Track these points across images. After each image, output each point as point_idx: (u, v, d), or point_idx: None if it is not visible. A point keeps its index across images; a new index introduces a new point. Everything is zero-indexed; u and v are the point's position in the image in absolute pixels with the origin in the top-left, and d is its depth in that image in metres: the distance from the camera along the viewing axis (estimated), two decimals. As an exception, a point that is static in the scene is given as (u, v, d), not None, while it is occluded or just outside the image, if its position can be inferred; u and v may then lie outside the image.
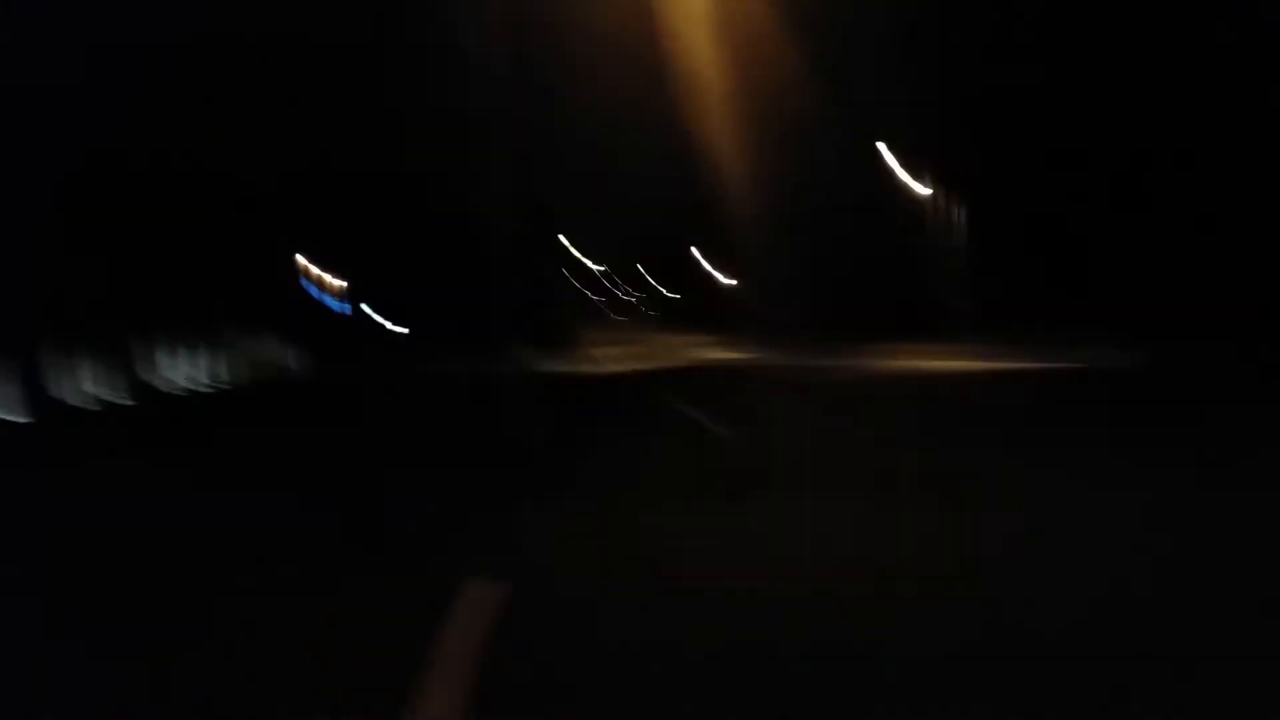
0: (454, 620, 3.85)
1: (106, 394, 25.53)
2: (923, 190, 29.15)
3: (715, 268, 53.32)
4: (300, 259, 43.87)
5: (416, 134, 36.35)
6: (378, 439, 12.68)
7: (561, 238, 56.73)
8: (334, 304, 45.56)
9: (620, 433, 11.82)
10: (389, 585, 4.70)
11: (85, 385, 25.43)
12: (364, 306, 47.43)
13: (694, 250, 55.07)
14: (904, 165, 29.84)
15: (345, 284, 45.96)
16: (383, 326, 48.19)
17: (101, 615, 4.61)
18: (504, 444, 10.46)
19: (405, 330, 47.88)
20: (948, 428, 10.83)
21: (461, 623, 3.83)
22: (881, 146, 30.19)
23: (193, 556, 5.86)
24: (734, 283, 51.24)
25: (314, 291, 44.88)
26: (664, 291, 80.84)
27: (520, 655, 3.57)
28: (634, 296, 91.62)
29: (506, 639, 3.72)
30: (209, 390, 30.23)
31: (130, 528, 6.96)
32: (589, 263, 64.88)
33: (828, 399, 15.48)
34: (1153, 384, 15.36)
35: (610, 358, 41.39)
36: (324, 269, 45.20)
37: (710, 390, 18.29)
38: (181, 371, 31.01)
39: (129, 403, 24.25)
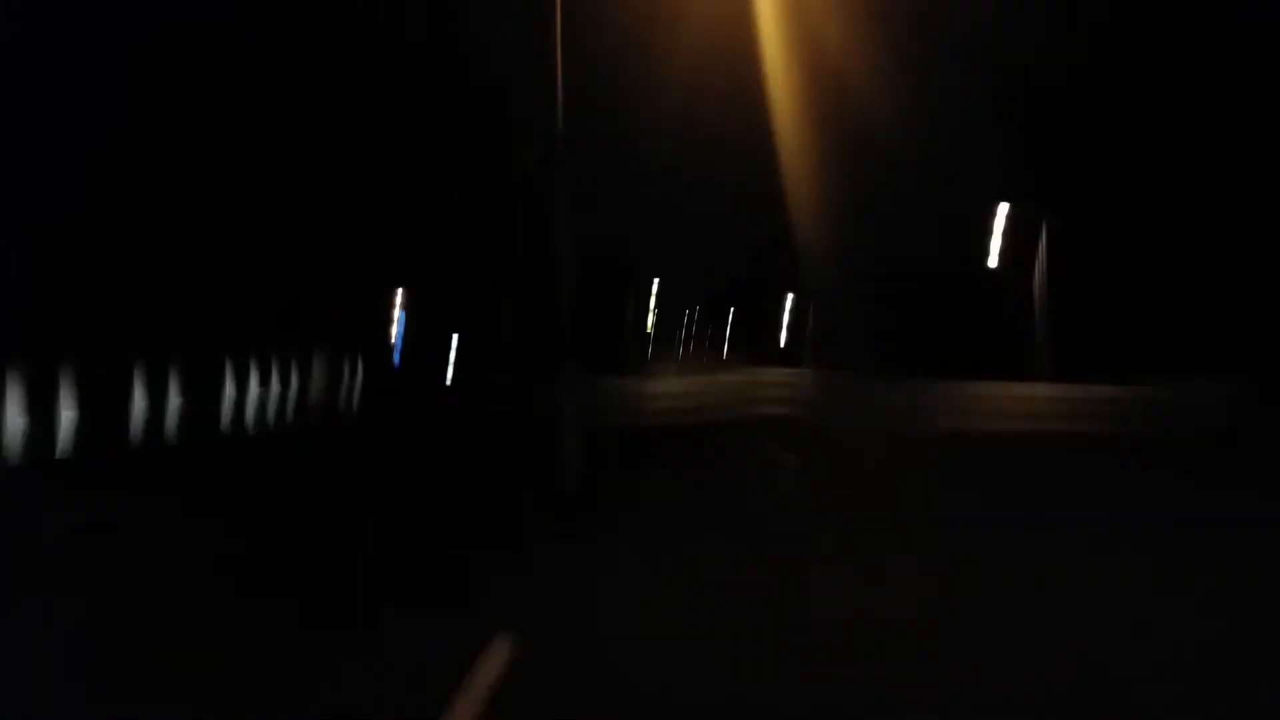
0: (472, 680, 3.76)
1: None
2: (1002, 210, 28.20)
3: (796, 315, 52.55)
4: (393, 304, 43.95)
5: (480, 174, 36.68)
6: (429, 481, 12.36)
7: (641, 280, 56.67)
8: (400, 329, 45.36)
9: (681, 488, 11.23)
10: (419, 639, 4.60)
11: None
12: (432, 344, 47.28)
13: (777, 296, 54.33)
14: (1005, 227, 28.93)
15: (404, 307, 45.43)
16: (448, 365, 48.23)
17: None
18: (554, 495, 10.13)
19: (469, 371, 47.93)
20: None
21: (478, 682, 3.72)
22: (991, 210, 29.30)
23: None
24: (814, 330, 50.50)
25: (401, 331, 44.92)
26: (742, 336, 79.92)
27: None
28: (713, 338, 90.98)
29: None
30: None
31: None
32: (657, 307, 64.82)
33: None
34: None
35: (677, 387, 41.00)
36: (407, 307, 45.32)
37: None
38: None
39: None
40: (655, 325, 75.44)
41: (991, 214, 29.07)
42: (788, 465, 10.42)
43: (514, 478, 10.93)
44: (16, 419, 14.63)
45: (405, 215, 40.42)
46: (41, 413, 15.27)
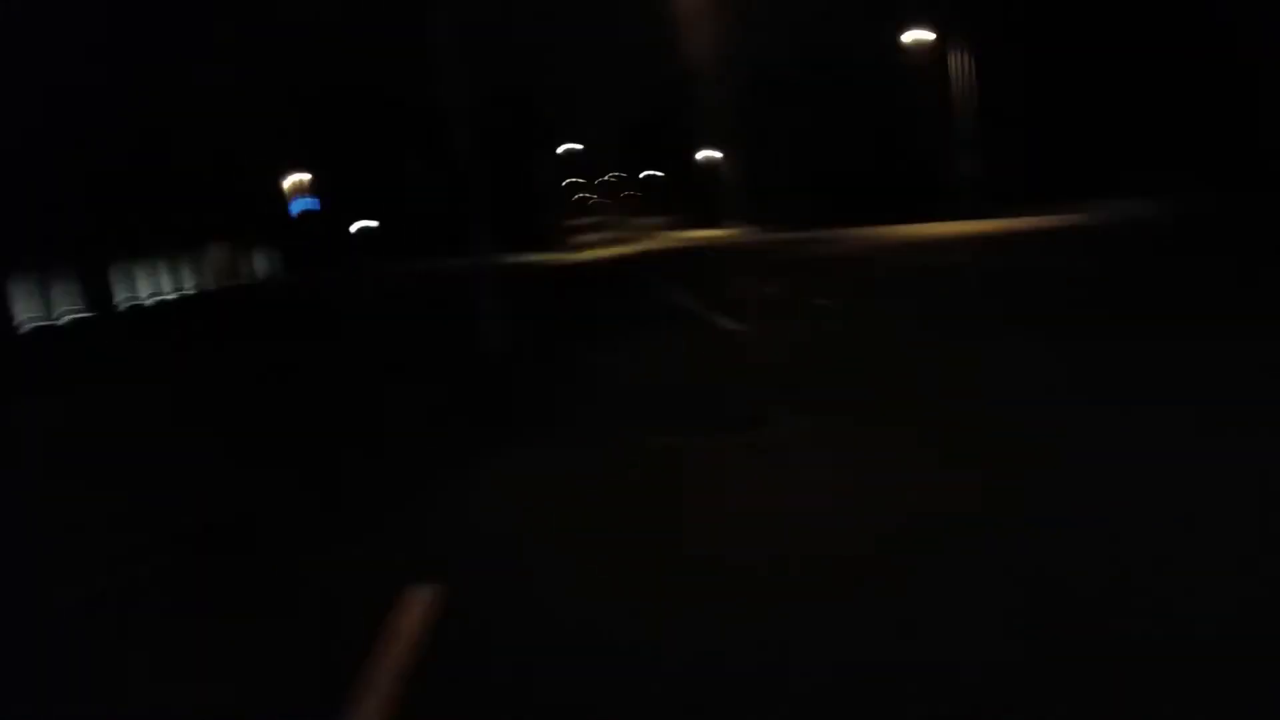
0: (393, 625, 3.06)
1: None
2: (926, 36, 27.26)
3: (705, 147, 51.42)
4: (289, 181, 41.52)
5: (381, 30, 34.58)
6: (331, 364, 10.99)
7: (544, 126, 54.42)
8: (306, 203, 43.15)
9: (608, 337, 10.12)
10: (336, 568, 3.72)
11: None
12: (336, 207, 45.02)
13: (697, 148, 52.96)
14: (909, 17, 27.86)
15: (310, 179, 43.24)
16: (353, 227, 46.20)
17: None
18: (477, 358, 9.12)
19: (376, 226, 45.89)
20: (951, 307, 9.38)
21: (401, 627, 3.03)
22: (902, 26, 28.16)
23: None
24: (721, 161, 49.37)
25: (298, 204, 42.71)
26: (651, 173, 78.47)
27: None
28: (620, 182, 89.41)
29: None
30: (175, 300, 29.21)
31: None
32: (573, 146, 62.65)
33: (823, 280, 13.69)
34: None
35: (595, 243, 39.91)
36: (300, 170, 42.90)
37: (702, 274, 16.83)
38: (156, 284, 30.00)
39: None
40: (571, 191, 73.12)
41: (915, 53, 28.15)
42: (729, 329, 9.41)
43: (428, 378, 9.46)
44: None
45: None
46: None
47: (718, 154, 50.81)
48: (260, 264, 40.51)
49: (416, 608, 3.09)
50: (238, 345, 14.05)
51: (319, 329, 15.41)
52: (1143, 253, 12.33)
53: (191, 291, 31.63)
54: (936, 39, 27.03)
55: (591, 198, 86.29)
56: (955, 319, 8.55)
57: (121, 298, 27.27)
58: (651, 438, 5.16)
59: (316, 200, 42.51)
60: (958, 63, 25.94)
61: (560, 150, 58.81)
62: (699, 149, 53.03)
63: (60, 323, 23.62)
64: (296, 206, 42.48)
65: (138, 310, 27.32)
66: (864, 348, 7.56)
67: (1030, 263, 12.74)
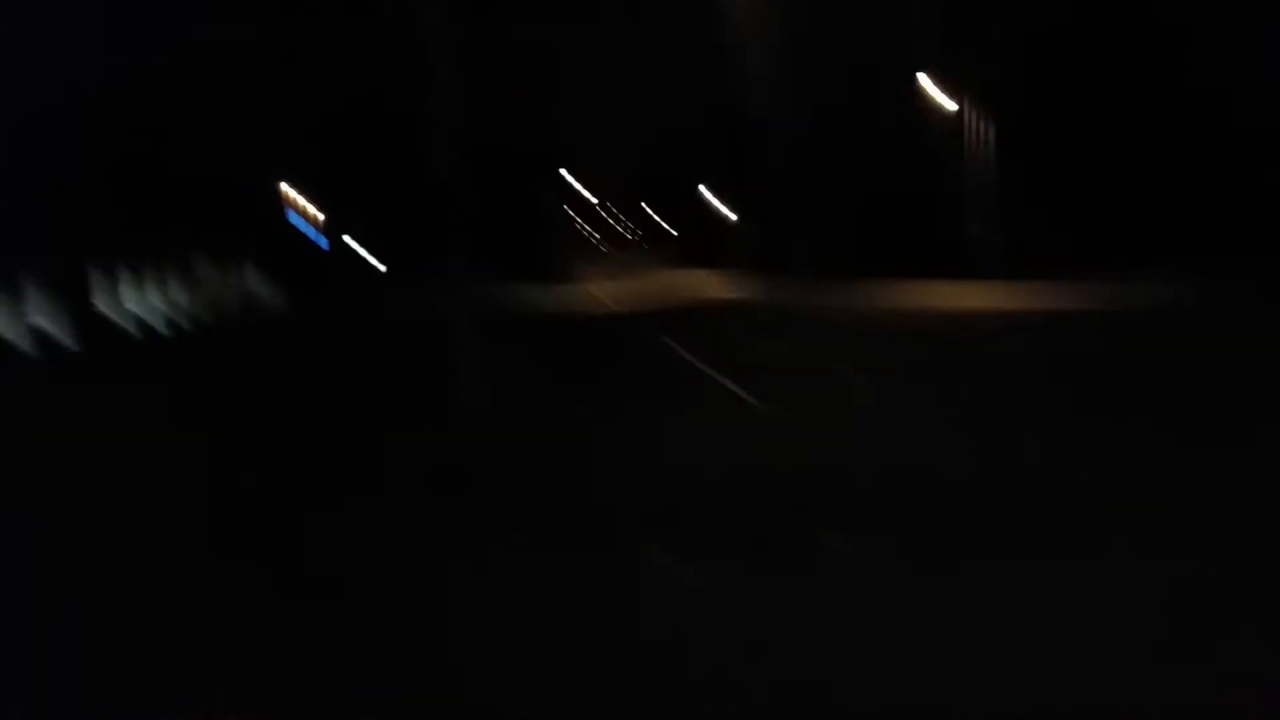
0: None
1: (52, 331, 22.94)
2: (951, 105, 27.05)
3: (725, 203, 50.42)
4: (286, 187, 40.59)
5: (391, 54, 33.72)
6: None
7: (562, 171, 53.49)
8: (314, 236, 42.36)
9: (621, 407, 9.03)
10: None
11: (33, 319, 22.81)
12: (345, 240, 44.07)
13: (701, 186, 51.94)
14: (937, 87, 27.67)
15: (324, 215, 42.72)
16: (363, 261, 45.18)
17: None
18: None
19: (384, 266, 44.97)
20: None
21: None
22: (917, 75, 28.13)
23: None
24: (742, 217, 48.49)
25: (299, 223, 41.81)
26: (667, 226, 77.49)
27: None
28: (635, 231, 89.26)
29: None
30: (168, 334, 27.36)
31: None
32: (587, 194, 61.68)
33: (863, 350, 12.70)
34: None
35: (608, 294, 38.68)
36: (306, 198, 42.10)
37: (728, 339, 15.76)
38: (146, 306, 28.29)
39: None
40: (573, 221, 72.44)
41: (937, 111, 28.03)
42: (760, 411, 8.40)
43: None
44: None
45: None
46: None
47: (722, 199, 49.94)
48: (255, 286, 39.20)
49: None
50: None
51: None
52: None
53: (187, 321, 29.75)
54: (956, 106, 26.91)
55: (609, 248, 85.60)
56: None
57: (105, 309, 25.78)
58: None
59: (324, 239, 41.59)
60: (975, 128, 25.80)
61: (577, 196, 57.91)
62: (705, 193, 52.12)
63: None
64: (292, 219, 41.58)
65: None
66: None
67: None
